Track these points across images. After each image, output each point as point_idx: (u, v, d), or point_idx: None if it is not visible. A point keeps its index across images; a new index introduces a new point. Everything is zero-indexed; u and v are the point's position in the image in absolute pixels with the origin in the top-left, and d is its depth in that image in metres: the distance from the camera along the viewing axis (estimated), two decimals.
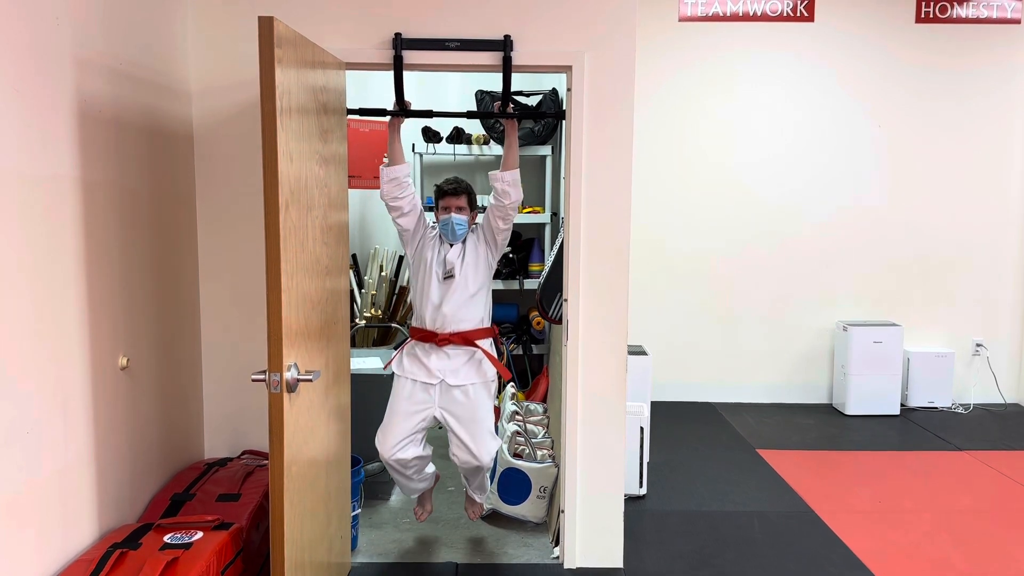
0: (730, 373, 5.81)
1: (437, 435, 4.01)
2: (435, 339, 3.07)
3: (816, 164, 5.66)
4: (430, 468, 3.24)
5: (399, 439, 3.02)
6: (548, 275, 3.65)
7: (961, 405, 5.74)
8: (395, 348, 4.59)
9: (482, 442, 3.02)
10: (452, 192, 3.09)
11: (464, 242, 3.14)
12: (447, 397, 3.05)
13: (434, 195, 3.21)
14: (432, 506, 3.37)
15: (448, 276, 3.09)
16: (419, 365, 3.09)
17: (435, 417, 3.08)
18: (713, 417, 5.41)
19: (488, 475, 3.24)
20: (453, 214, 3.08)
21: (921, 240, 5.73)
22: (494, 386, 3.16)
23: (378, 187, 3.14)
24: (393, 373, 3.15)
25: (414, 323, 3.21)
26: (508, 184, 3.03)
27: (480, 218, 3.21)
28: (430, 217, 3.24)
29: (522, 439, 3.60)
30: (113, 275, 2.53)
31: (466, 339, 3.08)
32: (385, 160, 3.17)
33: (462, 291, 3.08)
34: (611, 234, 3.02)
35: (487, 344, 3.14)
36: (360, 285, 5.00)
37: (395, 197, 3.07)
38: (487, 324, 3.17)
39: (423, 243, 3.15)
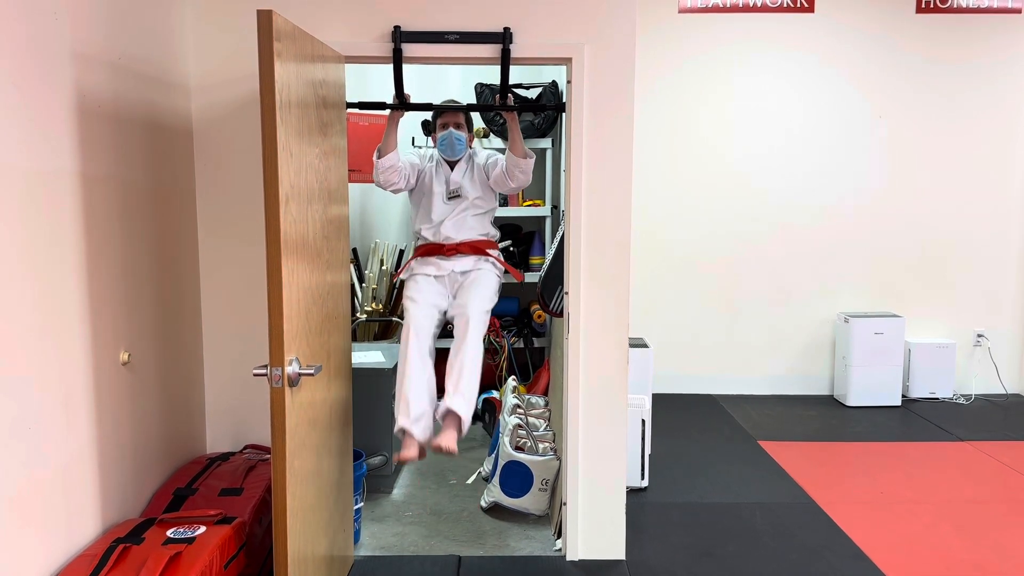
0: (731, 365, 5.81)
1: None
2: (442, 250, 3.22)
3: (817, 155, 5.65)
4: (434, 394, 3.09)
5: (424, 303, 3.13)
6: (549, 268, 3.64)
7: (962, 396, 5.74)
8: (397, 342, 4.59)
9: (477, 299, 3.12)
10: (451, 109, 3.25)
11: (468, 165, 3.29)
12: (456, 283, 3.23)
13: (432, 117, 3.35)
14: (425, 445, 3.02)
15: (454, 196, 3.23)
16: (429, 265, 3.25)
17: (445, 312, 3.17)
18: (714, 409, 5.41)
19: (470, 368, 2.97)
20: (452, 129, 3.22)
21: (922, 231, 5.72)
22: (500, 280, 3.30)
23: None
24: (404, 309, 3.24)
25: (418, 243, 3.33)
26: (522, 170, 3.17)
27: (479, 151, 3.35)
28: (415, 157, 3.34)
29: (524, 432, 3.61)
30: (114, 270, 2.53)
31: (474, 247, 3.23)
32: (377, 152, 3.20)
33: (473, 208, 3.26)
34: (612, 226, 3.01)
35: (495, 254, 3.30)
36: (361, 279, 5.00)
37: (392, 183, 3.21)
38: (494, 240, 3.33)
39: (422, 177, 3.30)
